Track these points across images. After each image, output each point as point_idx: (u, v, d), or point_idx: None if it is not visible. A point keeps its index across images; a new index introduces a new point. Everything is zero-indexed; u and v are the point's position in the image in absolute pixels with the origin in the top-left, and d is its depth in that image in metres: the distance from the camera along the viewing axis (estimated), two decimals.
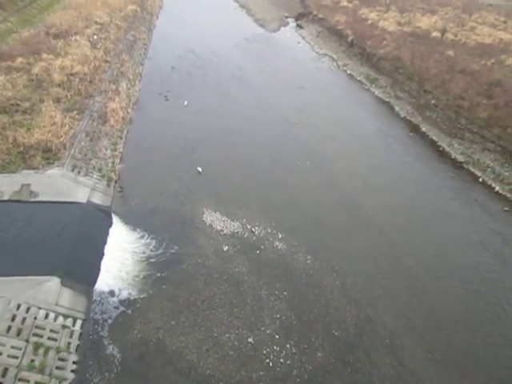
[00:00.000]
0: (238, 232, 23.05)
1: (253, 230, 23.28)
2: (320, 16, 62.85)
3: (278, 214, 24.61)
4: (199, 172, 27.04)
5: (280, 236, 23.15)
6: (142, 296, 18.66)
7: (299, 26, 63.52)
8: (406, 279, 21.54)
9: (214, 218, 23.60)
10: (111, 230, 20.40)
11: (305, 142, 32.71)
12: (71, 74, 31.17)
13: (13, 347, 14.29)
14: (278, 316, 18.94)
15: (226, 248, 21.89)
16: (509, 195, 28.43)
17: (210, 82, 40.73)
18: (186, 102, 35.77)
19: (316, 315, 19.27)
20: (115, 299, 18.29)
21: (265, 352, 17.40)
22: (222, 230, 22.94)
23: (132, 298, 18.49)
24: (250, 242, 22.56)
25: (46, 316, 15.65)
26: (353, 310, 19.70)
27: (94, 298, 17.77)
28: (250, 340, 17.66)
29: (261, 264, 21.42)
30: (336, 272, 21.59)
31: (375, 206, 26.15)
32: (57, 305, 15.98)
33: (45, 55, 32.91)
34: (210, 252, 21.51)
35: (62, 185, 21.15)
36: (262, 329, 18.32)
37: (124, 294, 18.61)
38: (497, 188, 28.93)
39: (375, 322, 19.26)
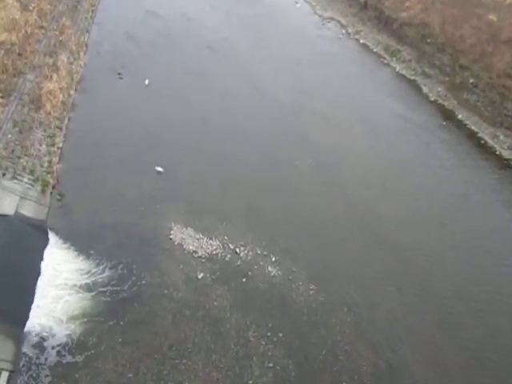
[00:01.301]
0: (217, 253, 23.14)
1: (237, 250, 23.43)
2: None
3: (270, 229, 24.86)
4: (159, 172, 27.25)
5: (273, 258, 23.39)
6: (89, 339, 18.43)
7: None
8: (437, 313, 21.87)
9: (185, 236, 23.62)
10: (47, 253, 20.32)
11: (305, 135, 32.87)
12: None
13: None
14: (271, 365, 18.97)
15: (201, 275, 21.95)
16: None
17: (180, 56, 40.66)
18: (146, 82, 35.74)
19: (321, 364, 19.34)
20: (53, 343, 18.04)
21: None
22: (195, 252, 22.99)
23: (76, 341, 18.31)
24: (233, 266, 22.69)
25: None
26: (370, 357, 19.80)
27: (25, 342, 17.50)
28: None
29: (248, 296, 21.50)
30: (347, 305, 21.84)
31: (397, 219, 26.74)
32: None
33: None
34: (179, 281, 21.52)
35: None
36: (250, 383, 18.27)
37: (64, 337, 18.33)
38: None
39: (399, 371, 19.41)
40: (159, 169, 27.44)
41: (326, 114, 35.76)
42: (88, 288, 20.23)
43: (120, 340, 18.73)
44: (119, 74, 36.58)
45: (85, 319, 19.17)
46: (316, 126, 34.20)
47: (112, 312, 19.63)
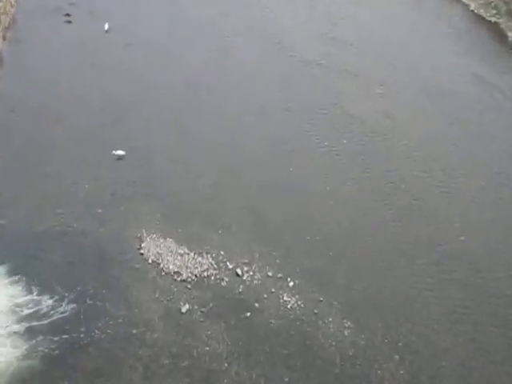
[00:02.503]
0: (209, 276, 22.77)
1: (238, 271, 23.07)
2: None
3: (283, 242, 24.54)
4: (119, 157, 27.21)
5: (291, 283, 23.00)
6: None
7: None
8: None
9: (162, 250, 23.37)
10: None
11: (334, 101, 32.35)
12: None
13: None
14: None
15: (185, 307, 21.55)
16: None
17: None
18: (106, 26, 35.36)
19: None
20: None
21: None
22: (178, 273, 22.67)
23: None
24: (232, 295, 22.27)
25: None
26: None
27: None
28: None
29: (254, 338, 21.01)
30: (399, 351, 21.21)
31: (470, 226, 26.47)
32: None
33: None
34: (155, 315, 21.13)
35: None
36: None
37: None
38: None
39: None
40: (119, 152, 27.30)
41: (366, 72, 35.25)
42: (23, 326, 20.11)
43: None
44: (67, 15, 35.84)
45: (20, 368, 18.87)
46: (348, 86, 33.78)
47: (57, 357, 19.30)
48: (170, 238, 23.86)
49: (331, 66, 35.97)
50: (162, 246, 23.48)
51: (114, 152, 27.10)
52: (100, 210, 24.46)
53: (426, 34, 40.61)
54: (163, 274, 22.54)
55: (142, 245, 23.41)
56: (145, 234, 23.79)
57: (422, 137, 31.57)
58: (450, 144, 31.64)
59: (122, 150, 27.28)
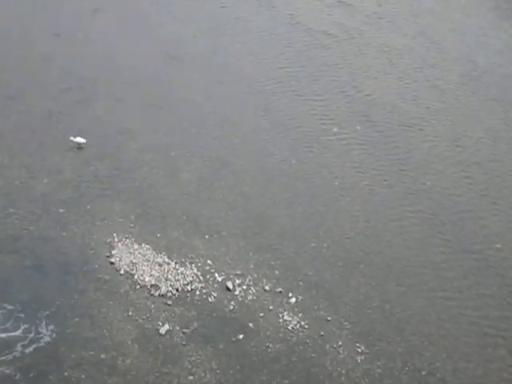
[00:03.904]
0: (193, 290, 22.66)
1: (229, 284, 22.95)
2: None
3: (284, 249, 24.66)
4: (79, 146, 27.61)
5: (292, 299, 23.01)
6: None
7: None
8: None
9: (137, 258, 23.33)
10: None
11: (347, 77, 34.16)
12: None
13: None
14: None
15: (165, 328, 21.32)
16: None
17: None
18: None
19: None
20: None
21: None
22: (155, 286, 22.50)
23: None
24: (222, 313, 22.11)
25: None
26: None
27: None
28: None
29: (248, 365, 20.76)
30: (421, 382, 21.14)
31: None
32: None
33: None
34: (128, 338, 20.93)
35: None
36: None
37: None
38: None
39: None
40: (78, 139, 27.47)
41: (394, 42, 38.07)
42: None
43: None
44: None
45: None
46: (362, 63, 36.00)
47: None
48: (147, 243, 23.74)
49: None
50: (136, 253, 23.36)
51: (71, 138, 27.16)
52: (62, 210, 24.36)
53: None
54: (138, 287, 22.29)
55: (113, 252, 23.26)
56: (116, 239, 23.70)
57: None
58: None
59: (83, 136, 27.43)
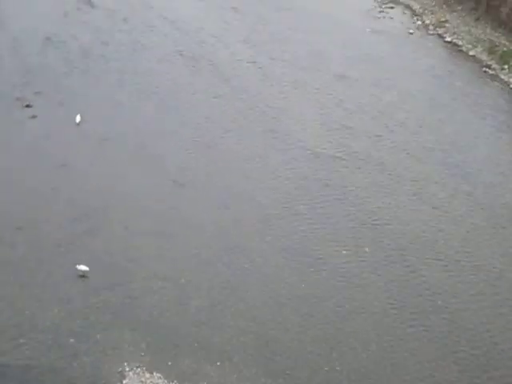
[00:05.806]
0: None
1: None
2: None
3: (297, 373, 24.36)
4: (83, 274, 27.26)
5: None
6: None
7: None
8: None
9: None
10: None
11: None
12: None
13: None
14: None
15: None
16: None
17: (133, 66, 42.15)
18: (78, 118, 36.46)
19: None
20: None
21: None
22: None
23: None
24: None
25: None
26: None
27: None
28: None
29: None
30: None
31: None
32: None
33: None
34: None
35: None
36: None
37: None
38: None
39: None
40: (82, 267, 27.26)
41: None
42: None
43: None
44: (27, 105, 36.71)
45: None
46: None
47: None
48: (158, 372, 23.39)
49: None
50: (148, 382, 23.10)
51: (77, 267, 26.95)
52: (72, 340, 24.07)
53: (456, 120, 41.76)
54: None
55: (124, 381, 22.99)
56: (127, 368, 23.34)
57: None
58: None
59: (90, 265, 27.11)
